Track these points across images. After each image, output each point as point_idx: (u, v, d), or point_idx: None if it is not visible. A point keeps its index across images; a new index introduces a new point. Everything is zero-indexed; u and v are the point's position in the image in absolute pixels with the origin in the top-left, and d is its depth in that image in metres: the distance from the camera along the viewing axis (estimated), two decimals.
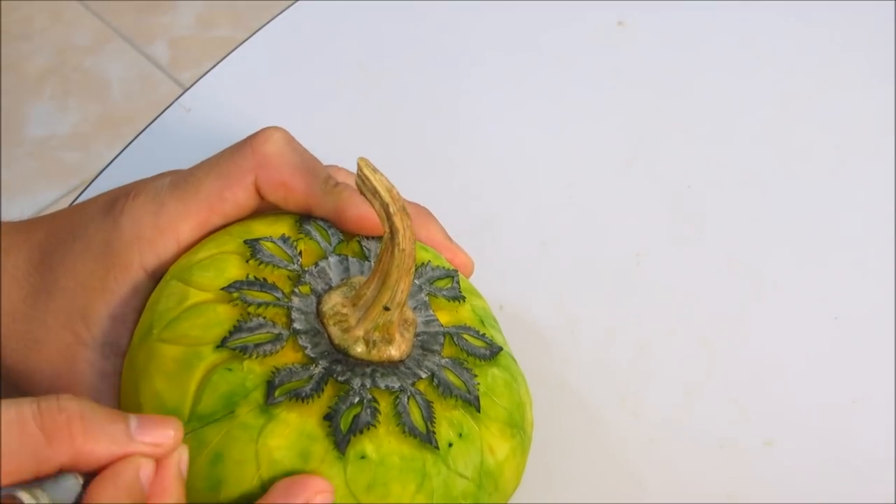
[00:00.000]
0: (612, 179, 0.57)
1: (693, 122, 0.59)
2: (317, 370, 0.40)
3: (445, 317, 0.43)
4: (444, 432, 0.40)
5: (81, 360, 0.43)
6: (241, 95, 0.60)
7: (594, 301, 0.53)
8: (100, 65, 0.63)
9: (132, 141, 0.58)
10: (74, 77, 0.62)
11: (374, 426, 0.39)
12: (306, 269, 0.43)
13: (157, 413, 0.40)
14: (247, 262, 0.42)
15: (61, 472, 0.36)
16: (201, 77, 0.61)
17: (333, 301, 0.42)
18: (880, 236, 0.55)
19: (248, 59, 0.61)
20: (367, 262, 0.44)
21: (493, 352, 0.43)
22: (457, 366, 0.42)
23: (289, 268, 0.42)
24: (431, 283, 0.44)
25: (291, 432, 0.39)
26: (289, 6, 0.63)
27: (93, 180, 0.57)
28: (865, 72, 0.61)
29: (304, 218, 0.44)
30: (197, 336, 0.40)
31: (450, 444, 0.40)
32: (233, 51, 0.62)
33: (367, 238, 0.44)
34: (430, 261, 0.45)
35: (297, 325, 0.41)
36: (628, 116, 0.59)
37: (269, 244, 0.43)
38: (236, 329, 0.40)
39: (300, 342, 0.40)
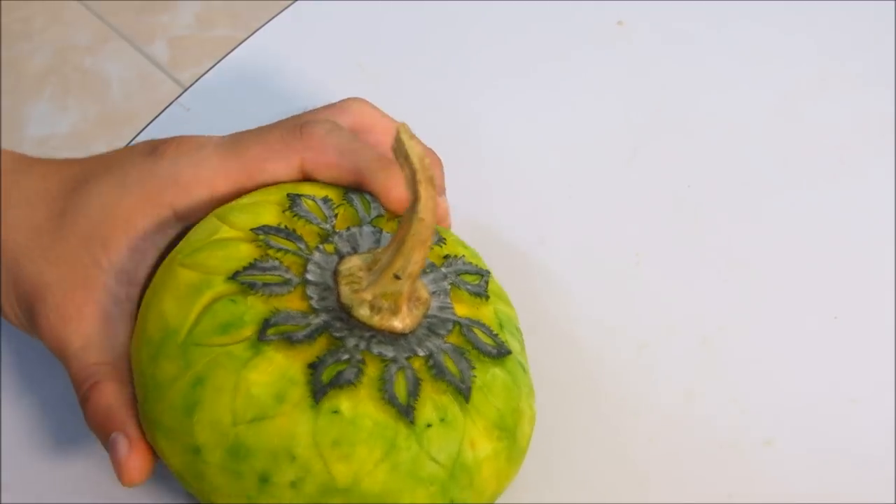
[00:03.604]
0: (611, 179, 0.57)
1: (693, 121, 0.59)
2: (316, 321, 0.40)
3: (464, 310, 0.43)
4: (426, 412, 0.40)
5: (96, 283, 0.44)
6: (241, 95, 0.60)
7: (594, 300, 0.53)
8: (99, 64, 0.63)
9: (132, 140, 0.58)
10: (74, 77, 0.62)
11: (355, 386, 0.39)
12: (338, 231, 0.43)
13: (158, 330, 0.41)
14: (283, 212, 0.43)
15: None
16: (201, 77, 0.61)
17: (352, 263, 0.42)
18: (880, 236, 0.55)
19: (247, 59, 0.61)
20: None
21: (500, 352, 0.42)
22: (457, 354, 0.41)
23: (321, 225, 0.43)
24: (458, 275, 0.44)
25: (274, 371, 0.39)
26: (288, 6, 0.63)
27: None
28: (865, 72, 0.61)
29: (352, 189, 0.45)
30: (213, 266, 0.41)
31: (428, 425, 0.40)
32: (232, 50, 0.62)
33: None
34: (464, 255, 0.45)
35: (309, 276, 0.41)
36: (628, 116, 0.59)
37: (309, 202, 0.44)
38: (251, 266, 0.41)
39: (308, 292, 0.41)
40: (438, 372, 0.41)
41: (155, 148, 0.46)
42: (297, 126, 0.46)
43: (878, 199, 0.56)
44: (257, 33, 0.62)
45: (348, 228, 0.44)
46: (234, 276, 0.41)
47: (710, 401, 0.50)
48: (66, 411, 0.46)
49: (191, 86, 0.60)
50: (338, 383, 0.39)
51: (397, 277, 0.40)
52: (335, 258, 0.42)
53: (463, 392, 0.41)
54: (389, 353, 0.40)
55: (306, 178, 0.46)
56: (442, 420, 0.40)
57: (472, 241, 0.48)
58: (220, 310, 0.40)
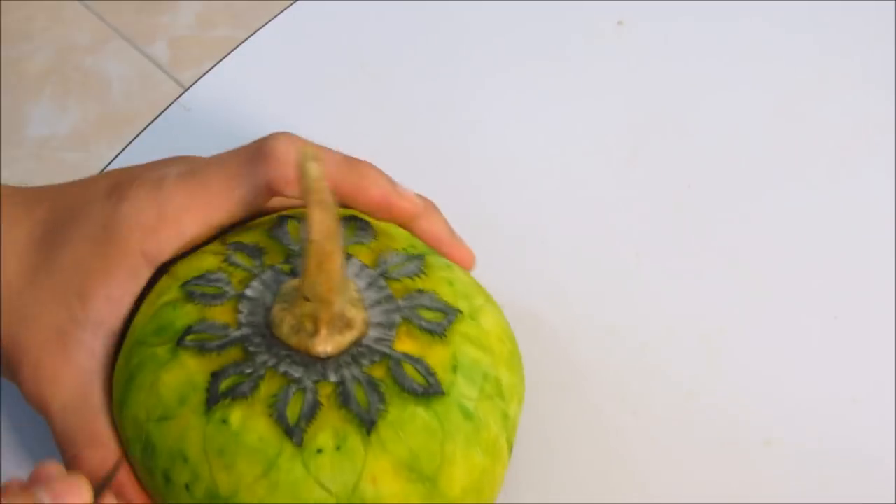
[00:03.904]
0: (612, 178, 0.57)
1: (693, 121, 0.59)
2: (234, 333, 0.41)
3: (409, 346, 0.42)
4: (321, 438, 0.39)
5: (72, 338, 0.44)
6: (241, 95, 0.60)
7: (594, 300, 0.53)
8: (100, 64, 0.63)
9: (132, 140, 0.58)
10: (74, 77, 0.62)
11: (247, 399, 0.39)
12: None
13: (131, 330, 0.43)
14: (265, 231, 0.44)
15: None
16: (201, 77, 0.61)
17: (292, 284, 0.42)
18: (880, 236, 0.55)
19: (248, 59, 0.61)
20: (367, 268, 0.43)
21: (427, 391, 0.41)
22: (370, 385, 0.40)
23: (289, 246, 0.44)
24: (415, 310, 0.43)
25: (182, 375, 0.40)
26: (289, 6, 0.63)
27: None
28: (865, 72, 0.61)
29: (351, 217, 0.45)
30: (181, 274, 0.43)
31: (319, 450, 0.39)
32: (233, 50, 0.62)
33: (390, 252, 0.44)
34: (435, 292, 0.43)
35: (247, 292, 0.42)
36: (628, 116, 0.59)
37: (293, 224, 0.44)
38: (201, 276, 0.43)
39: (239, 306, 0.42)
40: (344, 400, 0.40)
41: (115, 187, 0.45)
42: (256, 147, 0.45)
43: (878, 199, 0.56)
44: (257, 33, 0.62)
45: None
46: (183, 285, 0.42)
47: (710, 401, 0.50)
48: None
49: (191, 86, 0.60)
50: (231, 394, 0.40)
51: (306, 299, 0.40)
52: (287, 278, 0.43)
53: (364, 423, 0.39)
54: (297, 373, 0.40)
55: (269, 196, 0.45)
56: (337, 448, 0.39)
57: (473, 240, 0.48)
58: (163, 313, 0.42)
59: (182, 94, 0.60)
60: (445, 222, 0.48)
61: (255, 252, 0.43)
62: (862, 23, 0.62)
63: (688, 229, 0.55)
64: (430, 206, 0.47)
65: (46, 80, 0.63)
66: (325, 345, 0.41)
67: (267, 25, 0.63)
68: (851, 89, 0.60)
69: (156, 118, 0.59)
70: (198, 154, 0.50)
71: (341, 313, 0.41)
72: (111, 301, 0.44)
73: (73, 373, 0.44)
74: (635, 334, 0.52)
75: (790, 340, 0.52)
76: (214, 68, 0.61)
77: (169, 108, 0.60)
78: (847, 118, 0.59)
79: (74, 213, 0.45)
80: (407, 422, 0.40)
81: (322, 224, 0.39)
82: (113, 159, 0.58)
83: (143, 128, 0.59)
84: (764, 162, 0.57)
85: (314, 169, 0.39)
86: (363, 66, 0.61)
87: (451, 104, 0.59)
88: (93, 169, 0.58)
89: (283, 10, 0.63)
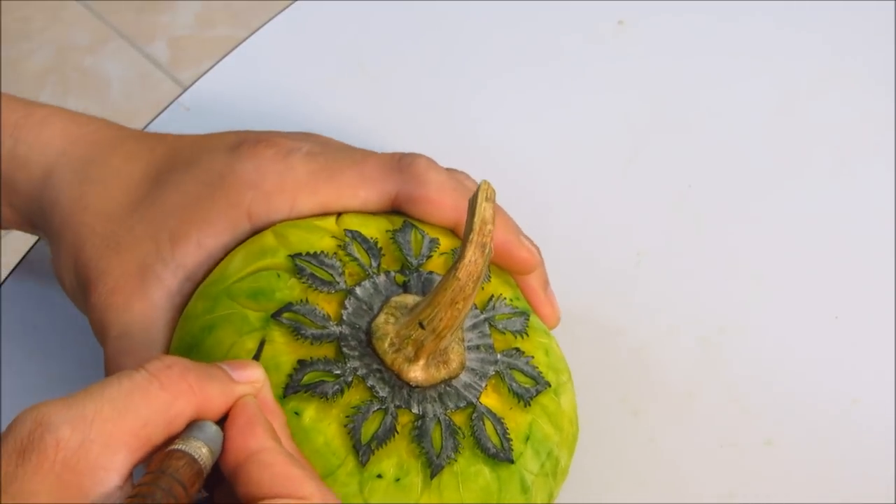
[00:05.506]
0: (612, 178, 0.57)
1: (693, 121, 0.59)
2: (334, 329, 0.40)
3: (494, 403, 0.42)
4: (384, 464, 0.39)
5: (152, 274, 0.44)
6: (241, 95, 0.60)
7: (594, 300, 0.53)
8: (99, 64, 0.63)
9: None
10: (74, 76, 0.62)
11: (327, 401, 0.39)
12: (420, 269, 0.43)
13: (218, 272, 0.42)
14: (387, 231, 0.43)
15: (193, 423, 0.35)
16: (201, 76, 0.61)
17: (405, 300, 0.42)
18: (880, 236, 0.55)
19: (247, 59, 0.61)
20: (475, 308, 0.43)
21: (498, 455, 0.40)
22: (450, 430, 0.40)
23: (408, 257, 0.43)
24: (510, 369, 0.42)
25: (267, 350, 0.39)
26: (288, 6, 0.63)
27: None
28: (865, 72, 0.61)
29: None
30: (291, 242, 0.42)
31: (379, 476, 0.39)
32: (232, 50, 0.62)
33: (500, 299, 0.44)
34: (534, 358, 0.43)
35: (357, 290, 0.41)
36: (628, 116, 0.59)
37: (416, 235, 0.44)
38: (315, 255, 0.41)
39: (346, 303, 0.41)
40: (419, 435, 0.39)
41: (241, 143, 0.45)
42: (395, 157, 0.45)
43: (878, 199, 0.56)
44: (257, 33, 0.62)
45: (431, 272, 0.43)
46: (293, 256, 0.41)
47: (710, 401, 0.50)
48: None
49: (191, 86, 0.60)
50: (313, 390, 0.39)
51: (421, 326, 0.40)
52: (398, 290, 0.42)
53: (431, 466, 0.39)
54: (383, 392, 0.40)
55: (396, 212, 0.45)
56: (396, 480, 0.39)
57: None
58: (264, 277, 0.41)
59: (181, 93, 0.60)
60: (545, 276, 0.48)
61: (374, 250, 0.43)
62: (862, 22, 0.62)
63: (688, 229, 0.55)
64: (537, 256, 0.48)
65: (46, 80, 0.63)
66: (419, 374, 0.40)
67: (266, 25, 0.63)
68: (852, 88, 0.60)
69: (155, 118, 0.59)
70: None
71: (445, 349, 0.41)
72: (201, 248, 0.44)
73: (143, 306, 0.43)
74: (635, 334, 0.52)
75: (790, 340, 0.52)
76: (214, 68, 0.61)
77: (168, 108, 0.60)
78: (848, 118, 0.59)
79: (194, 156, 0.45)
80: (471, 477, 0.40)
81: (473, 265, 0.39)
82: None
83: (142, 127, 0.59)
84: (764, 162, 0.57)
85: (488, 210, 0.39)
86: (362, 66, 0.61)
87: (450, 104, 0.59)
88: None
89: (282, 10, 0.63)
